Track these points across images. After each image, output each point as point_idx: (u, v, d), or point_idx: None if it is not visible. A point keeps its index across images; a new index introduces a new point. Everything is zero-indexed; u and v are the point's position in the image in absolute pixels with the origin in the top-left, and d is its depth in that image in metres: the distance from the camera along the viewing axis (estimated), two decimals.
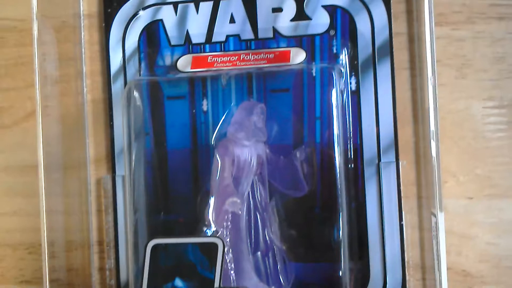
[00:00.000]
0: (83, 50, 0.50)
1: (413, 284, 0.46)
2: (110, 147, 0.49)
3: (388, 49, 0.46)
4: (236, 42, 0.47)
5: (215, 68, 0.46)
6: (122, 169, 0.49)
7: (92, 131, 0.50)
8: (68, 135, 0.49)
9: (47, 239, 0.51)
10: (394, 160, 0.45)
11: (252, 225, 0.44)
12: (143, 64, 0.48)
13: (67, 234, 0.49)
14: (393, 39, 0.46)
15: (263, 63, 0.46)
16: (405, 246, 0.45)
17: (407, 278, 0.45)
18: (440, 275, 0.39)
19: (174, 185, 0.47)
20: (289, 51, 0.46)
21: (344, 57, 0.46)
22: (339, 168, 0.44)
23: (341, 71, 0.45)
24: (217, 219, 0.43)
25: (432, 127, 0.40)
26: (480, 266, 0.46)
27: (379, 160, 0.46)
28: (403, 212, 0.45)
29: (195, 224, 0.45)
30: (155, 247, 0.42)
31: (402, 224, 0.45)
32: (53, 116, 0.47)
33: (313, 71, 0.45)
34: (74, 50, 0.49)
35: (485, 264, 0.46)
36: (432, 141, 0.39)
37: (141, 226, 0.46)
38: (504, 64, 0.46)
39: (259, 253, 0.44)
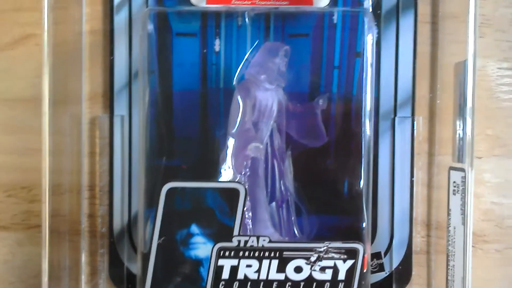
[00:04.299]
0: None
1: (419, 240, 0.45)
2: (109, 84, 0.45)
3: (412, 0, 0.44)
4: None
5: (232, 6, 0.43)
6: (121, 109, 0.45)
7: (88, 65, 0.45)
8: (61, 66, 0.44)
9: (31, 182, 0.47)
10: (410, 115, 0.45)
11: (269, 174, 0.42)
12: None
13: (54, 177, 0.44)
14: None
15: (284, 4, 0.43)
16: (414, 203, 0.45)
17: (414, 234, 0.45)
18: (466, 231, 0.38)
19: (179, 130, 0.43)
20: None
21: (367, 6, 0.44)
22: (361, 120, 0.42)
23: (366, 17, 0.43)
24: (235, 164, 0.40)
25: (471, 84, 0.39)
26: (483, 225, 0.46)
27: (395, 114, 0.45)
28: (414, 169, 0.45)
29: (200, 171, 0.42)
30: (170, 191, 0.39)
31: (413, 181, 0.45)
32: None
33: (335, 18, 0.43)
34: None
35: (488, 223, 0.46)
36: (469, 96, 0.38)
37: (140, 171, 0.43)
38: None
39: (274, 203, 0.42)
